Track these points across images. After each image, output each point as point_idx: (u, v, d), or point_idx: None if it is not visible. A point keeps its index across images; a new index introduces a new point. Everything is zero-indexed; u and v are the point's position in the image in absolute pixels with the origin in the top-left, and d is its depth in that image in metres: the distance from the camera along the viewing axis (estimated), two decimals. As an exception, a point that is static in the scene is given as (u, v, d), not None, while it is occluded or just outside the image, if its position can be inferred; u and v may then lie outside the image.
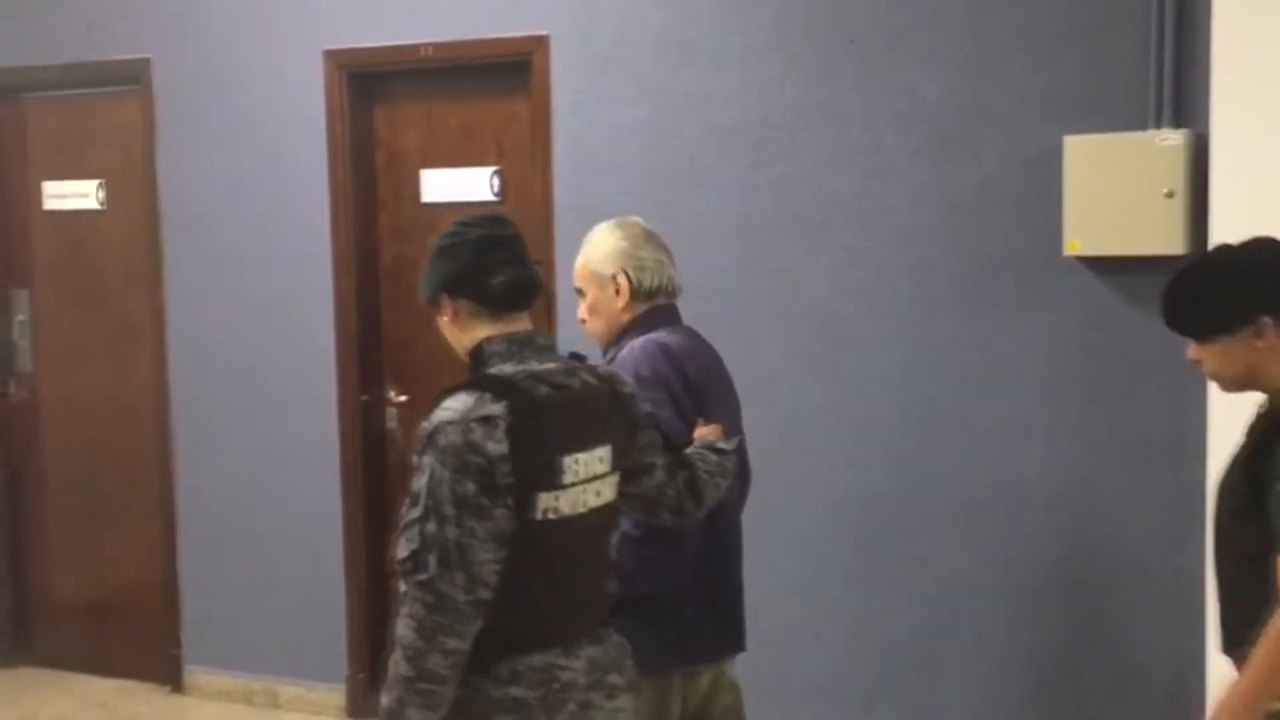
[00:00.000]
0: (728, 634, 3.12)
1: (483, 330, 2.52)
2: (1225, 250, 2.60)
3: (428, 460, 2.35)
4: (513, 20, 4.67)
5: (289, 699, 5.23)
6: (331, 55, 4.96)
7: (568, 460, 2.44)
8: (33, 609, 5.83)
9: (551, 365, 2.52)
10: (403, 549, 2.35)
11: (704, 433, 2.93)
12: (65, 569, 5.76)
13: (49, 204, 5.65)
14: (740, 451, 3.12)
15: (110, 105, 5.50)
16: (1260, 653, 2.38)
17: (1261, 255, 2.53)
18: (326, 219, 5.03)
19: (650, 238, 3.15)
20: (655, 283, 3.09)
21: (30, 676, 5.71)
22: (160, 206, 5.32)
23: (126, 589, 5.60)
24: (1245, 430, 2.53)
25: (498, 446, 2.34)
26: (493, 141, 4.89)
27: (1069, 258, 3.95)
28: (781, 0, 4.30)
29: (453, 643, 2.33)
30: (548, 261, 4.66)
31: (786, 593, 4.38)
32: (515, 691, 2.42)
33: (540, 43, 4.63)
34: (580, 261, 3.15)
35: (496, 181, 4.87)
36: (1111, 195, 3.85)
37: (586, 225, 4.51)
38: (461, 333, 2.55)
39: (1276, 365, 2.48)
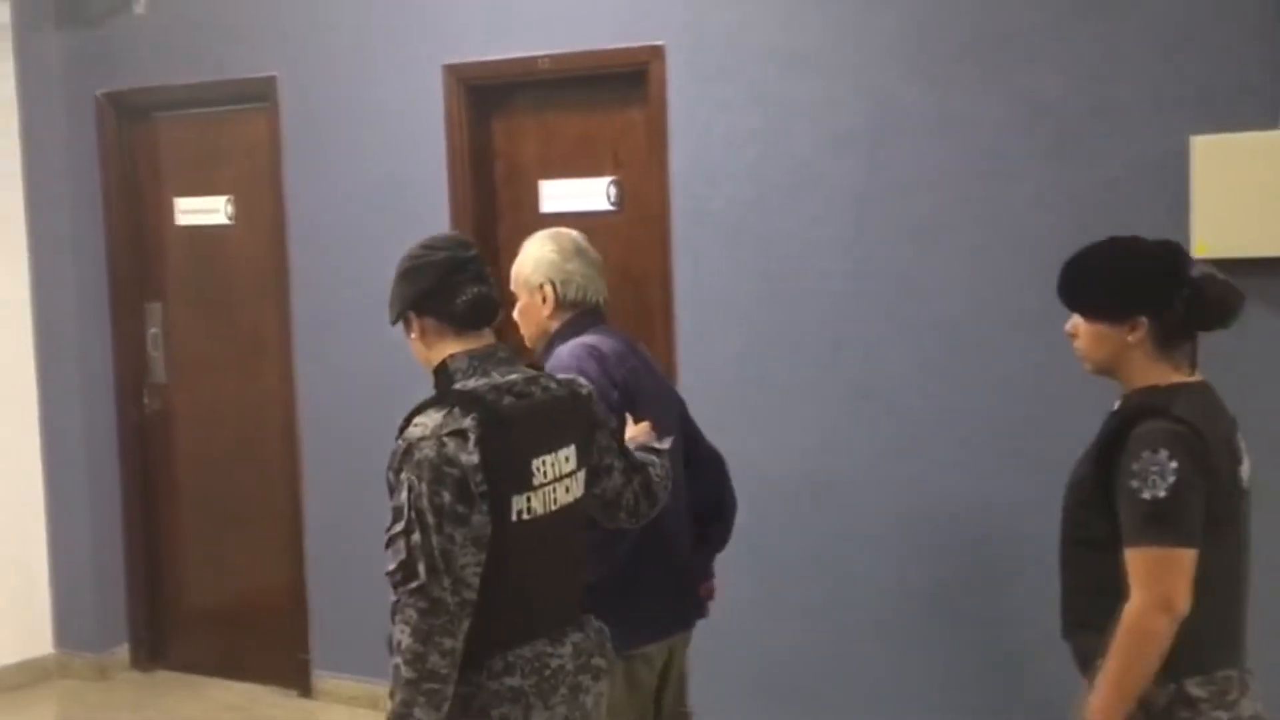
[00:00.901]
0: (672, 614, 3.34)
1: (448, 347, 2.67)
2: (1134, 243, 2.68)
3: (405, 476, 2.49)
4: (629, 32, 4.70)
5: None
6: (451, 69, 5.03)
7: (536, 463, 2.61)
8: (167, 615, 5.99)
9: (514, 376, 2.67)
10: (391, 561, 2.49)
11: (635, 432, 3.09)
12: (197, 576, 5.91)
13: (180, 219, 5.81)
14: (703, 439, 3.43)
15: (238, 122, 5.64)
16: (1115, 655, 2.48)
17: (1160, 260, 2.62)
18: (447, 230, 5.09)
19: (580, 252, 3.33)
20: (579, 295, 3.29)
21: (165, 680, 5.87)
22: (286, 220, 5.44)
23: (256, 595, 5.72)
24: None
25: (470, 457, 2.49)
26: (609, 151, 4.93)
27: (1198, 260, 3.86)
28: (898, 5, 4.27)
29: (449, 642, 2.47)
30: (665, 270, 4.69)
31: (904, 596, 4.35)
32: (511, 682, 2.57)
33: (656, 53, 4.65)
34: (514, 268, 3.37)
35: (613, 191, 4.90)
36: (1241, 195, 3.76)
37: (704, 233, 4.60)
38: (428, 349, 2.70)
39: (1138, 364, 2.60)
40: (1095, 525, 2.57)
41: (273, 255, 5.52)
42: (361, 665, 5.37)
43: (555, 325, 3.29)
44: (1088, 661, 2.61)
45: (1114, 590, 2.50)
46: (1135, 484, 2.47)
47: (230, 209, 5.70)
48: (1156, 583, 2.45)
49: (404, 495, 2.49)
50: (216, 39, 5.54)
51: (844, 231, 4.39)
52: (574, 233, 3.41)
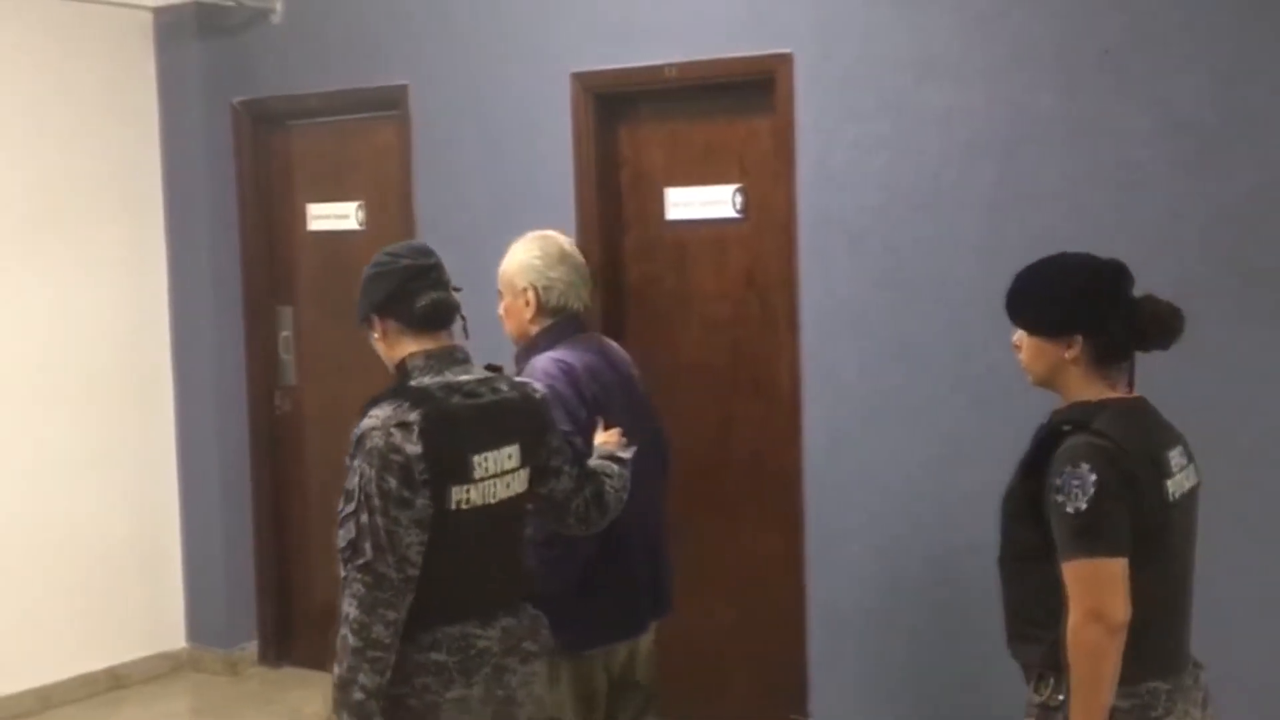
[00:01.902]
0: (632, 615, 3.49)
1: (408, 346, 2.91)
2: (1079, 260, 2.74)
3: (358, 462, 2.75)
4: (756, 40, 4.69)
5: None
6: (579, 78, 5.08)
7: (477, 458, 2.83)
8: (294, 613, 6.11)
9: (466, 376, 2.91)
10: (342, 539, 2.75)
11: (604, 439, 3.28)
12: (324, 575, 6.00)
13: (312, 225, 5.94)
14: (661, 444, 3.62)
15: (370, 130, 5.74)
16: (1072, 674, 2.51)
17: (1099, 279, 2.68)
18: (574, 237, 5.12)
19: (565, 258, 3.49)
20: (561, 301, 3.46)
21: (291, 676, 5.99)
22: (415, 226, 5.52)
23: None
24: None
25: (414, 447, 2.73)
26: (735, 159, 4.93)
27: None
28: (1029, 11, 4.21)
29: (391, 614, 2.71)
30: (790, 278, 4.68)
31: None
32: (435, 656, 2.80)
33: (783, 61, 4.64)
34: (501, 267, 3.53)
35: (739, 199, 4.91)
36: (1389, 206, 3.65)
37: (830, 241, 4.58)
38: (390, 349, 2.94)
39: (1075, 379, 2.66)
40: (1026, 538, 2.62)
41: (401, 261, 5.59)
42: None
43: (536, 329, 3.45)
44: (1030, 673, 2.65)
45: (1050, 602, 2.56)
46: (1060, 498, 2.52)
47: (361, 215, 5.80)
48: (1087, 594, 2.50)
49: (355, 480, 2.75)
50: (349, 48, 5.65)
51: (974, 241, 4.34)
52: (562, 238, 3.57)
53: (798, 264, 4.66)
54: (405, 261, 2.94)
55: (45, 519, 5.66)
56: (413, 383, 2.85)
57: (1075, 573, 2.51)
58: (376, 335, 2.96)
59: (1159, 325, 2.65)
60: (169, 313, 6.06)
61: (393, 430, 2.74)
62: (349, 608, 2.72)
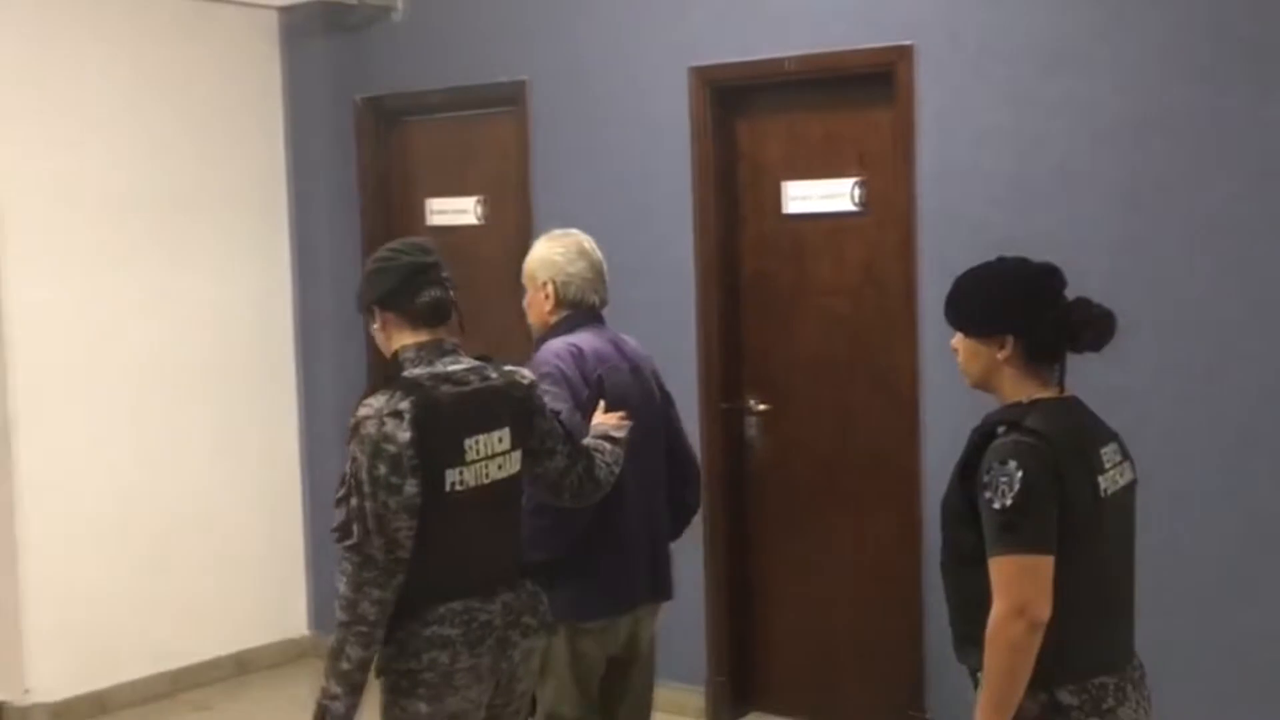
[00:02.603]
0: (630, 591, 3.59)
1: (404, 338, 3.06)
2: (1011, 265, 2.79)
3: (353, 448, 2.92)
4: (876, 32, 4.66)
5: (650, 699, 5.36)
6: (697, 72, 5.08)
7: (469, 441, 2.98)
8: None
9: (455, 366, 3.05)
10: (335, 520, 2.93)
11: (603, 419, 3.43)
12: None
13: (432, 219, 6.01)
14: (677, 440, 3.78)
15: (489, 125, 5.80)
16: (986, 667, 2.54)
17: (1030, 282, 2.72)
18: (691, 231, 5.15)
19: (584, 254, 3.65)
20: (578, 296, 3.62)
21: None
22: (534, 221, 5.56)
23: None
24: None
25: (405, 435, 2.89)
26: (854, 152, 4.90)
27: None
28: (1161, -1, 4.14)
29: (377, 593, 2.87)
30: (910, 273, 4.65)
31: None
32: (442, 630, 2.96)
33: (904, 53, 4.60)
34: (525, 262, 3.72)
35: (858, 192, 4.87)
36: None
37: (952, 235, 4.53)
38: (388, 339, 3.10)
39: (1009, 379, 2.71)
40: (966, 540, 2.64)
41: (520, 255, 5.56)
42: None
43: (554, 320, 3.63)
44: (974, 675, 2.65)
45: (989, 603, 2.56)
46: (988, 495, 2.56)
47: (480, 210, 5.86)
48: (1010, 589, 2.52)
49: (349, 466, 2.92)
50: (469, 45, 5.71)
51: (1104, 234, 4.27)
52: (583, 237, 3.71)
53: (918, 258, 4.62)
54: (407, 259, 3.08)
55: (175, 507, 5.81)
56: (405, 374, 3.01)
57: (999, 568, 2.54)
58: (376, 326, 3.11)
59: (1089, 327, 2.69)
60: (292, 305, 6.18)
61: (385, 419, 2.90)
62: (340, 585, 2.91)
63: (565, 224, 5.41)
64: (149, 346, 5.72)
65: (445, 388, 2.99)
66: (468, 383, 3.04)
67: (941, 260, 4.57)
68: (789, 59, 4.85)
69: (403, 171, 6.10)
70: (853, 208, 4.89)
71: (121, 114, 5.63)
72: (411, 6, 5.84)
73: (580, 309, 3.63)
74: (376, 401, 2.94)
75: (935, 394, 4.64)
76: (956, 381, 4.54)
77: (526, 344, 5.65)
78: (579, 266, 3.64)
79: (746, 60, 4.97)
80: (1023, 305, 2.70)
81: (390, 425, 2.89)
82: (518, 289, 5.68)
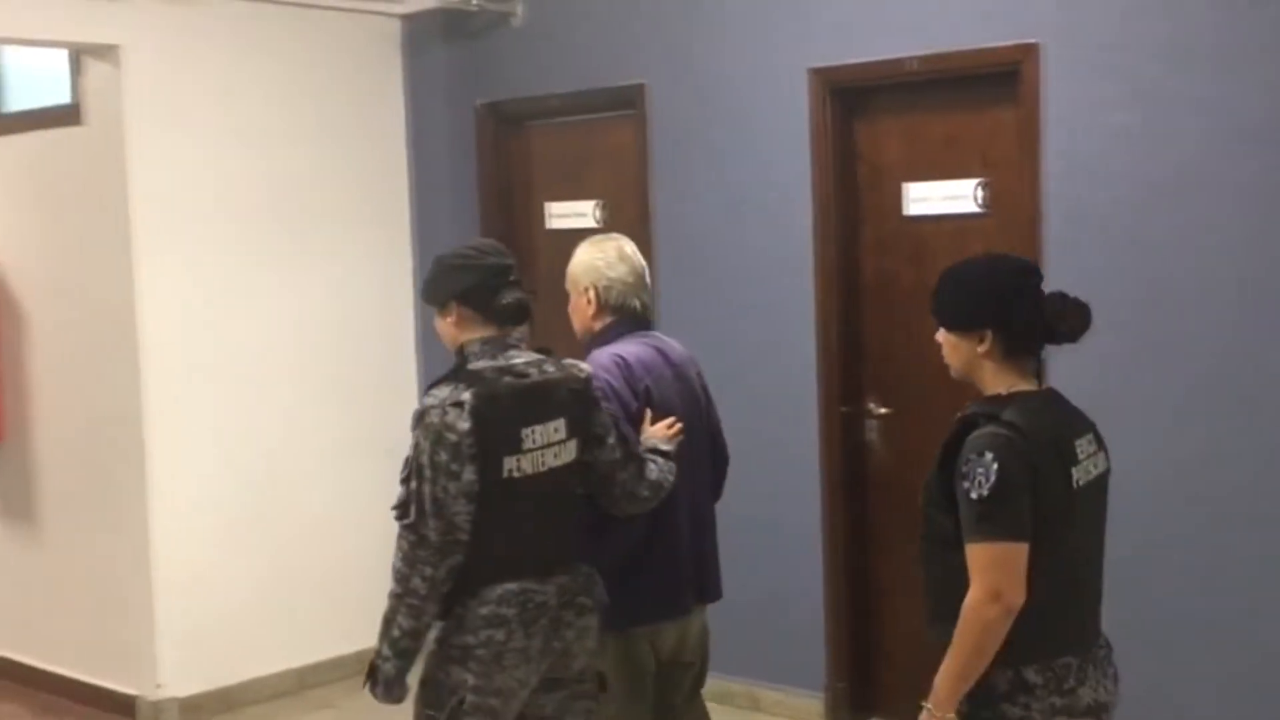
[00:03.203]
0: (678, 596, 3.61)
1: (473, 333, 3.23)
2: (990, 260, 2.99)
3: (417, 435, 3.12)
4: (1000, 30, 4.60)
5: (769, 703, 5.34)
6: (817, 73, 5.05)
7: (526, 431, 3.15)
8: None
9: (517, 359, 3.22)
10: (396, 500, 3.15)
11: (652, 431, 3.49)
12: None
13: (551, 223, 6.04)
14: (716, 437, 3.79)
15: (607, 129, 5.82)
16: (955, 641, 2.68)
17: (1008, 277, 2.83)
18: (810, 232, 5.12)
19: (624, 259, 3.65)
20: (619, 301, 3.62)
21: None
22: (652, 224, 5.58)
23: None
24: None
25: (464, 424, 3.07)
26: (978, 152, 4.83)
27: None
28: (1297, -7, 4.03)
29: (429, 570, 3.07)
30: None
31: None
32: (499, 610, 3.13)
33: (1029, 51, 4.53)
34: (568, 268, 3.71)
35: (981, 193, 4.81)
36: None
37: (1079, 236, 4.46)
38: (459, 334, 3.25)
39: (988, 372, 2.82)
40: (942, 523, 2.76)
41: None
42: (717, 661, 5.41)
43: (599, 325, 3.63)
44: (944, 651, 2.77)
45: (963, 584, 2.69)
46: (966, 485, 2.68)
47: (599, 213, 5.89)
48: (986, 575, 2.65)
49: (412, 451, 3.13)
50: (588, 49, 5.74)
51: (1236, 235, 4.16)
52: (623, 241, 3.72)
53: (1043, 259, 4.54)
54: (491, 259, 3.26)
55: (301, 507, 5.92)
56: (470, 366, 3.18)
57: (976, 555, 2.67)
58: (450, 319, 3.25)
59: (1064, 320, 2.78)
60: (414, 308, 6.25)
61: (448, 409, 3.09)
62: (396, 560, 3.12)
63: (682, 226, 5.49)
64: (274, 350, 5.84)
65: (506, 380, 3.16)
66: (527, 375, 3.21)
67: (1068, 262, 4.49)
68: (911, 59, 4.80)
69: (522, 176, 6.15)
70: (975, 209, 4.83)
71: (247, 121, 5.75)
72: (531, 12, 5.89)
73: (623, 313, 3.63)
74: (441, 392, 3.13)
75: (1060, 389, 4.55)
76: (1081, 385, 4.48)
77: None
78: (619, 271, 3.63)
79: (867, 61, 4.93)
80: (999, 301, 2.80)
81: (452, 415, 3.08)
82: (636, 292, 5.74)
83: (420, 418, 3.13)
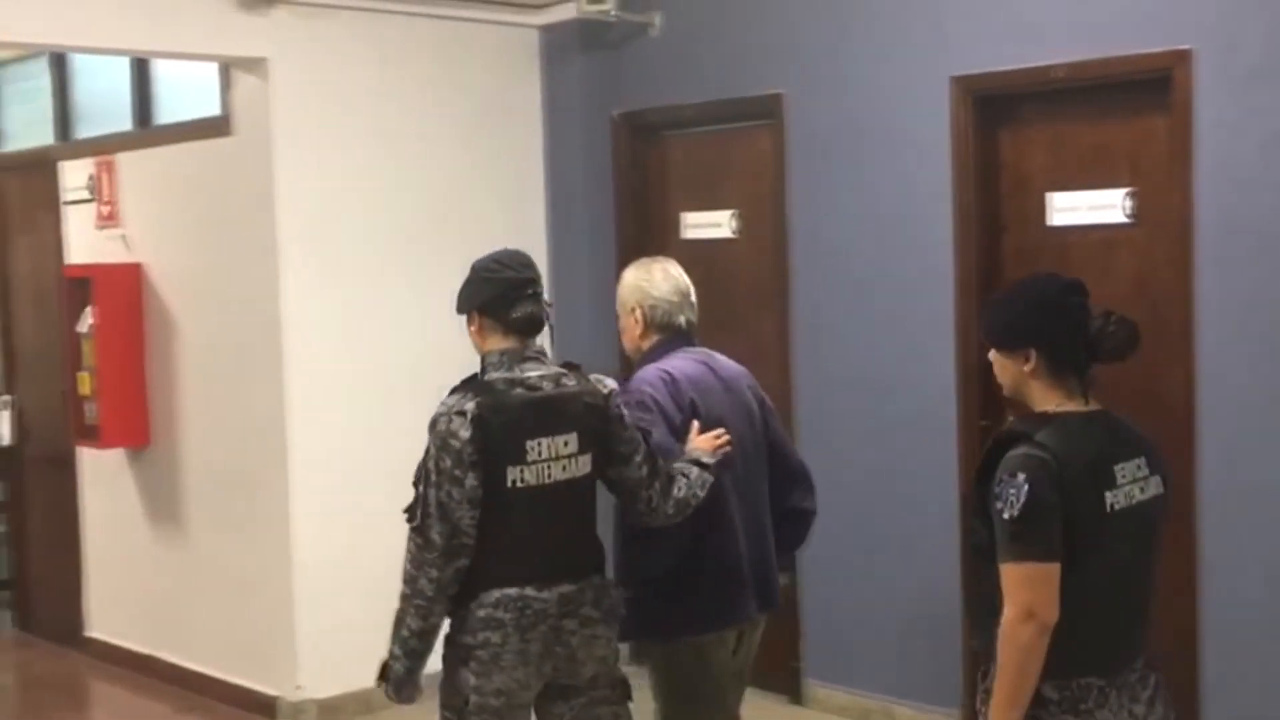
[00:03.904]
0: (738, 605, 3.67)
1: (495, 343, 3.36)
2: (1036, 280, 3.02)
3: (429, 440, 3.26)
4: (1151, 36, 4.49)
5: (905, 720, 5.28)
6: (959, 81, 4.97)
7: (531, 443, 3.25)
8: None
9: (536, 372, 3.33)
10: (409, 502, 3.26)
11: (699, 442, 3.55)
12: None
13: (686, 233, 6.04)
14: (782, 449, 3.87)
15: (744, 139, 5.80)
16: (999, 664, 2.73)
17: (1053, 295, 2.87)
18: (950, 243, 5.05)
19: (668, 279, 3.76)
20: (665, 319, 3.72)
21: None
22: (789, 233, 5.54)
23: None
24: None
25: (465, 432, 3.20)
26: (1126, 161, 4.72)
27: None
28: None
29: (435, 573, 3.21)
30: (1186, 285, 4.47)
31: None
32: (495, 613, 3.24)
33: (1182, 58, 4.41)
34: (617, 291, 3.83)
35: (1129, 203, 4.69)
36: None
37: (1234, 247, 4.34)
38: (482, 342, 3.39)
39: (1036, 391, 2.87)
40: (982, 535, 2.81)
41: (775, 268, 5.64)
42: (852, 676, 5.42)
43: (646, 344, 3.74)
44: (982, 659, 2.85)
45: (998, 595, 2.75)
46: (999, 505, 2.73)
47: (734, 223, 5.87)
48: (1019, 594, 2.71)
49: (424, 455, 3.27)
50: (725, 59, 5.72)
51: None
52: (668, 263, 3.85)
53: (1195, 271, 4.43)
54: (510, 273, 3.38)
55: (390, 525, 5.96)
56: (485, 377, 3.32)
57: (1009, 574, 2.73)
58: (474, 328, 3.41)
59: (1108, 338, 2.81)
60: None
61: (453, 417, 3.23)
62: (405, 562, 3.25)
63: (819, 236, 5.46)
64: (411, 358, 5.89)
65: (517, 391, 3.29)
66: (539, 388, 3.32)
67: (1222, 273, 4.38)
68: (1056, 66, 4.71)
69: (658, 186, 6.15)
70: (1123, 219, 4.71)
71: (388, 132, 5.83)
72: (669, 22, 5.89)
73: (669, 331, 3.74)
74: (450, 400, 3.29)
75: (1212, 414, 4.43)
76: (1235, 401, 4.37)
77: (781, 354, 5.69)
78: (663, 290, 3.75)
79: (1011, 69, 4.85)
80: (1042, 320, 2.84)
81: (456, 423, 3.22)
82: (771, 302, 5.71)
83: (432, 425, 3.28)
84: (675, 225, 6.09)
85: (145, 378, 6.27)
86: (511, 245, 6.09)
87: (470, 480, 3.21)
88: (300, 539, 5.59)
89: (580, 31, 6.12)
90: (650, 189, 6.16)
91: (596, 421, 3.36)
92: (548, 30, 6.21)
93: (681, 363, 3.69)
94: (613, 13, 5.88)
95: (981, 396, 5.06)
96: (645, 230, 6.14)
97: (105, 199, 6.45)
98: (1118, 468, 2.79)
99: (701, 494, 3.49)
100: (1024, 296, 2.93)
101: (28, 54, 6.97)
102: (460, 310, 3.44)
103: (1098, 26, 4.61)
